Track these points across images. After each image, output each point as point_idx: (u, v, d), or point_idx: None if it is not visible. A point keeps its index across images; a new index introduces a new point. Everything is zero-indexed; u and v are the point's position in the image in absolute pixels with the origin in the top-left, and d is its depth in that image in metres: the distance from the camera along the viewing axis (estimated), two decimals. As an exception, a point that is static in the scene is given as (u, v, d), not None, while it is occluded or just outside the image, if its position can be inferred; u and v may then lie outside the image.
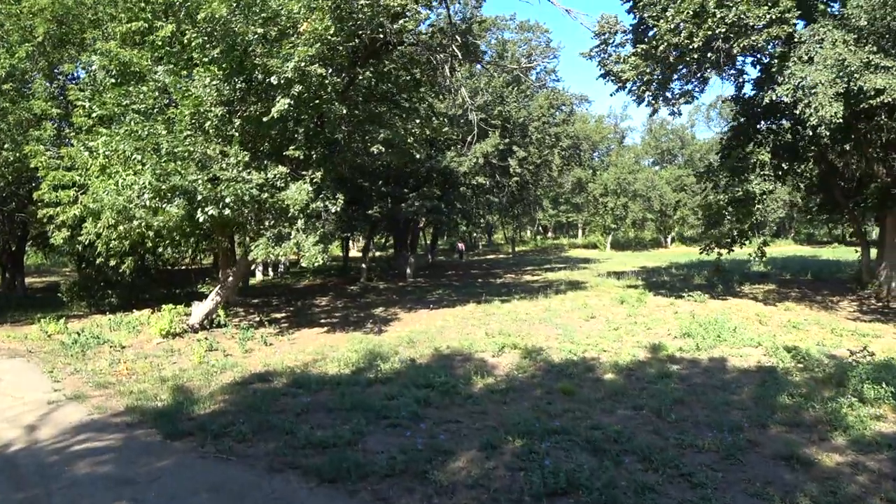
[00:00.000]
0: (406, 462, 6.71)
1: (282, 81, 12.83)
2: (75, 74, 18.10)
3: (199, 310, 15.50)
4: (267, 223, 13.87)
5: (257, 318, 17.74)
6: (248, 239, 15.06)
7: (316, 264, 13.17)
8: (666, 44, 14.93)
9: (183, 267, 27.26)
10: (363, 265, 27.83)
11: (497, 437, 7.47)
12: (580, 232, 76.74)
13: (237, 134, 13.76)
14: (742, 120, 21.92)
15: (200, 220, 12.59)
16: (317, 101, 13.90)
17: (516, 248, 59.87)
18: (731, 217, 21.01)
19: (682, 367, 11.74)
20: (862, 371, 10.13)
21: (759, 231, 23.59)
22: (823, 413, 8.70)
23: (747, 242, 22.45)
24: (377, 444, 7.34)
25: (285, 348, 13.70)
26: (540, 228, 79.91)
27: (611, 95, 24.01)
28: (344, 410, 8.65)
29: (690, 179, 61.42)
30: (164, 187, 12.35)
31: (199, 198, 12.43)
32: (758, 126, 21.54)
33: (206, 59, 13.55)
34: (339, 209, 14.63)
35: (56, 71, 17.29)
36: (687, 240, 65.87)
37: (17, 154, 16.36)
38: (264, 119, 13.42)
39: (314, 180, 14.23)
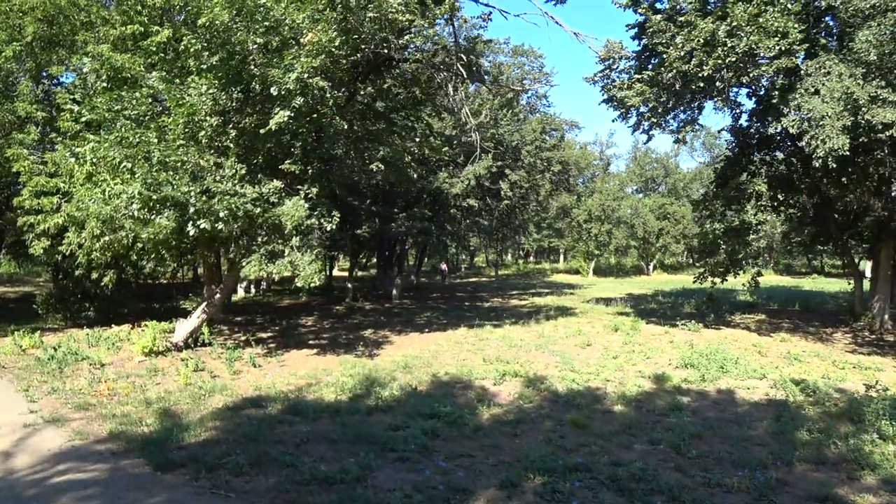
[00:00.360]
0: (422, 502, 6.17)
1: (282, 92, 12.39)
2: (63, 78, 17.46)
3: (183, 327, 14.80)
4: (259, 239, 13.29)
5: (243, 338, 17.02)
6: (238, 255, 14.46)
7: (312, 285, 12.61)
8: (675, 71, 14.84)
9: (163, 281, 26.37)
10: (349, 285, 27.23)
11: (516, 475, 6.99)
12: (562, 257, 76.89)
13: (232, 146, 13.24)
14: (736, 150, 22.02)
15: (191, 233, 11.99)
16: (316, 115, 13.47)
17: (499, 272, 59.60)
18: (727, 246, 20.93)
19: (692, 399, 11.40)
20: (879, 407, 9.87)
21: (754, 261, 23.52)
22: (846, 450, 8.41)
23: (740, 272, 22.38)
24: (387, 481, 6.80)
25: (275, 371, 13.07)
26: (521, 253, 79.87)
27: (612, 121, 23.97)
28: (347, 442, 8.09)
29: (674, 208, 62.07)
30: (154, 197, 11.75)
31: (192, 210, 11.85)
32: (752, 157, 21.63)
33: (203, 67, 13.08)
34: (334, 227, 14.13)
35: (43, 73, 16.60)
36: (668, 267, 66.30)
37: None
38: (261, 131, 12.94)
39: (309, 196, 13.72)
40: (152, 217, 12.24)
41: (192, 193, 11.92)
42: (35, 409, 9.36)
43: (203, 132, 12.91)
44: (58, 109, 16.50)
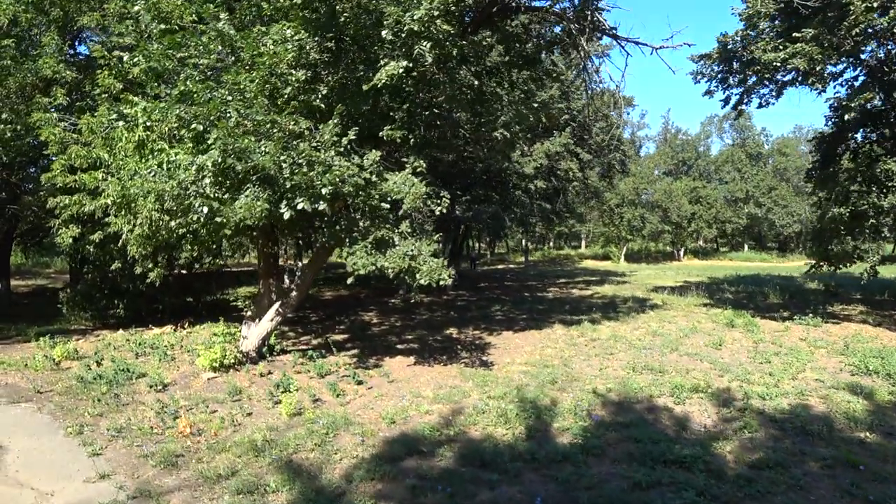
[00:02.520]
0: None
1: (401, 36, 9.54)
2: (95, 28, 14.44)
3: (254, 333, 12.04)
4: (362, 224, 10.49)
5: (314, 341, 14.32)
6: (322, 243, 11.70)
7: (444, 284, 9.86)
8: (858, 25, 11.99)
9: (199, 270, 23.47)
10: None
11: None
12: (583, 243, 74.26)
13: (323, 106, 10.41)
14: (835, 129, 19.21)
15: (286, 216, 9.16)
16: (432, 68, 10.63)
17: (528, 259, 56.88)
18: (849, 232, 18.19)
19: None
20: None
21: (875, 247, 20.74)
22: None
23: (861, 260, 19.69)
24: None
25: (388, 389, 10.35)
26: (539, 238, 77.16)
27: (704, 95, 20.78)
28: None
29: (706, 191, 59.43)
30: (239, 168, 8.93)
31: (288, 185, 9.02)
32: (852, 135, 18.92)
33: (284, 4, 10.22)
34: (444, 209, 11.34)
35: (72, 25, 13.63)
36: (699, 253, 63.74)
37: (18, 127, 12.72)
38: (364, 87, 10.12)
39: (418, 170, 10.93)
40: (225, 195, 9.42)
41: (288, 164, 9.10)
42: (106, 471, 6.57)
43: (290, 89, 10.07)
44: (89, 69, 13.61)
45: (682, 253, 60.15)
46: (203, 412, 8.74)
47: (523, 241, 55.61)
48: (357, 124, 11.05)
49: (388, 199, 10.46)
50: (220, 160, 9.00)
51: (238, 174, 9.28)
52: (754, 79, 15.25)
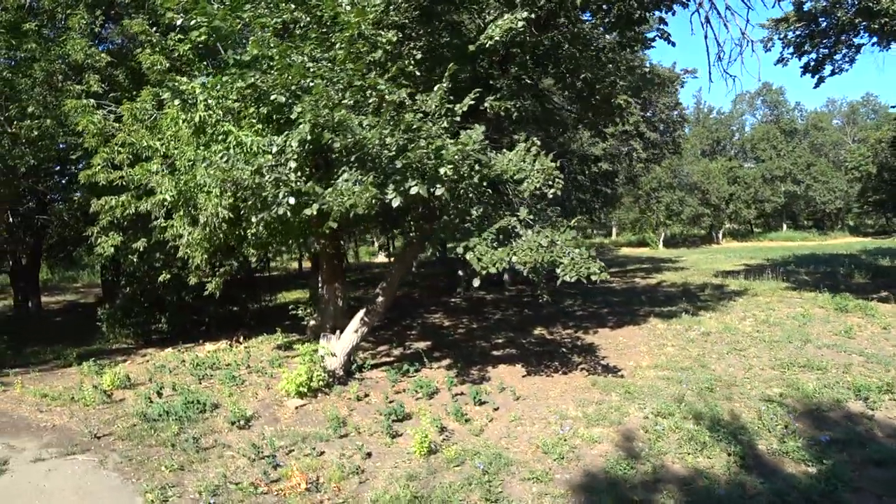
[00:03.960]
0: None
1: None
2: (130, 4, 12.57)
3: (339, 348, 10.19)
4: (475, 211, 8.59)
5: (396, 351, 12.49)
6: (416, 239, 9.85)
7: (597, 279, 7.92)
8: None
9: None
10: (460, 272, 22.55)
11: None
12: (614, 230, 71.94)
13: (418, 73, 8.51)
14: None
15: (395, 203, 7.26)
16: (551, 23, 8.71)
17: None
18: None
19: None
20: None
21: None
22: None
23: None
24: None
25: (520, 409, 8.50)
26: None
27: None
28: None
29: (743, 171, 57.07)
30: (338, 144, 7.05)
31: (399, 165, 7.15)
32: None
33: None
34: (558, 193, 9.41)
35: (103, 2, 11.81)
36: (738, 235, 61.32)
37: (47, 122, 10.96)
38: (471, 47, 8.22)
39: (530, 147, 9.02)
40: (307, 183, 7.55)
41: (395, 139, 7.23)
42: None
43: (379, 52, 8.19)
44: (123, 55, 11.84)
45: (720, 236, 57.83)
46: (308, 455, 6.89)
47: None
48: (453, 94, 9.14)
49: (505, 180, 8.57)
50: (308, 137, 7.12)
51: (332, 154, 7.41)
52: (831, 41, 13.20)
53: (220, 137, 8.15)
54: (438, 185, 7.44)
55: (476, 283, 8.16)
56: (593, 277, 7.83)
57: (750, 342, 12.36)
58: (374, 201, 7.06)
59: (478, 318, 17.13)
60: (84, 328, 17.40)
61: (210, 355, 12.74)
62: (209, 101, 8.09)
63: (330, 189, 6.99)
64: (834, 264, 28.73)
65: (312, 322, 14.10)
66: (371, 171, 7.33)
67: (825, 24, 16.95)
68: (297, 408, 8.62)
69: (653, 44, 13.18)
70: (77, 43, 10.78)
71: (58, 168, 16.74)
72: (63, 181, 16.50)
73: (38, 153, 12.00)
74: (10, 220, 14.31)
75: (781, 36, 19.10)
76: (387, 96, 7.84)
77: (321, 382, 9.14)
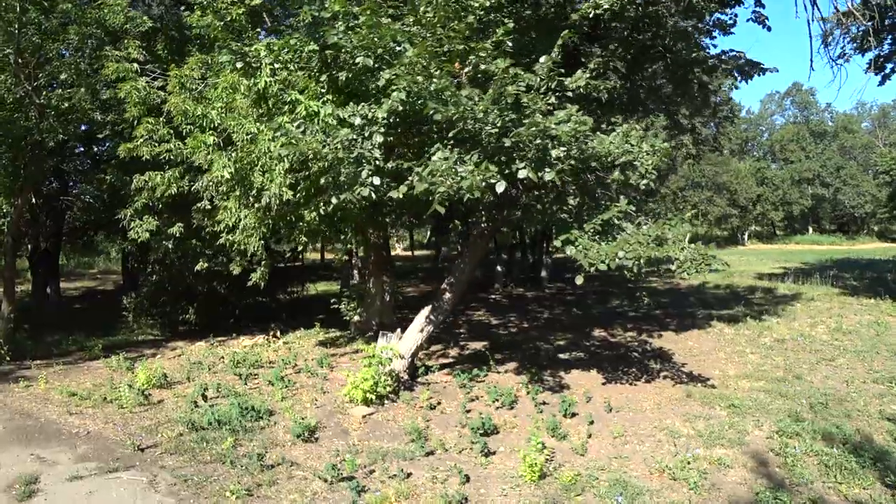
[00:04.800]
0: None
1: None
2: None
3: (404, 346, 9.11)
4: (572, 200, 7.53)
5: (451, 351, 11.45)
6: (488, 230, 8.77)
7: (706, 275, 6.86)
8: None
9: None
10: (498, 268, 21.50)
11: None
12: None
13: (510, 44, 7.43)
14: None
15: (499, 188, 6.17)
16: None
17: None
18: None
19: None
20: None
21: None
22: None
23: None
24: None
25: (618, 424, 7.45)
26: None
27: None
28: None
29: (771, 172, 55.70)
30: (440, 116, 5.97)
31: (507, 144, 6.09)
32: None
33: None
34: (652, 182, 8.32)
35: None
36: (763, 237, 59.92)
37: (81, 90, 9.94)
38: (573, 15, 7.15)
39: (630, 131, 7.93)
40: (401, 161, 6.49)
41: (498, 114, 6.15)
42: None
43: (471, 18, 7.10)
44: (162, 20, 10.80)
45: (745, 237, 56.50)
46: (395, 477, 5.84)
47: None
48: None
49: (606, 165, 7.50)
50: (400, 108, 6.04)
51: (423, 129, 6.34)
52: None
53: (285, 108, 7.09)
54: (548, 169, 6.38)
55: (579, 280, 7.07)
56: (704, 273, 6.81)
57: (834, 351, 11.45)
58: (489, 184, 5.96)
59: (525, 316, 16.07)
60: (105, 316, 16.47)
61: (248, 351, 11.75)
62: (275, 66, 7.00)
63: (429, 168, 5.90)
64: (877, 269, 27.59)
65: (357, 318, 13.08)
66: (473, 151, 6.26)
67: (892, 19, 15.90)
68: (364, 417, 7.58)
69: (731, 30, 12.09)
70: (117, 4, 9.71)
71: (82, 149, 15.79)
72: (88, 161, 15.51)
73: (68, 126, 10.98)
74: (34, 201, 13.32)
75: (844, 30, 18.11)
76: (482, 66, 6.75)
77: (388, 388, 8.08)
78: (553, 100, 6.86)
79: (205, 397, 8.34)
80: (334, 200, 6.26)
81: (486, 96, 6.13)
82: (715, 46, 10.79)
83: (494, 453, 6.56)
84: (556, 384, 9.23)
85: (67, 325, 15.48)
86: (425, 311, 9.30)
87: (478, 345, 12.03)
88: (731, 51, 10.53)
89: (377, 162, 6.30)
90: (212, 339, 12.99)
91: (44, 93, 10.72)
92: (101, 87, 10.03)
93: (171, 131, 8.88)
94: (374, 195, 6.24)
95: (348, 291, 13.44)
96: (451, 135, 6.31)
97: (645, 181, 7.68)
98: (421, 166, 6.12)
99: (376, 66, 6.36)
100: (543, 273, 22.46)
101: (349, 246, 10.75)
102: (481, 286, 21.01)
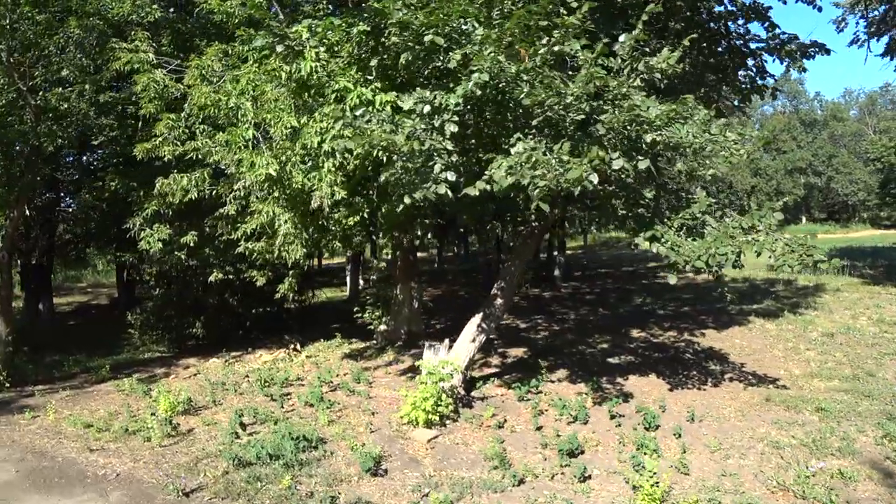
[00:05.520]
0: None
1: None
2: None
3: (460, 356, 8.27)
4: (648, 194, 6.81)
5: (493, 360, 10.68)
6: (540, 228, 8.04)
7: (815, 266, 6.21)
8: None
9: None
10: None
11: None
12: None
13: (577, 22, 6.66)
14: None
15: (592, 181, 5.41)
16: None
17: (576, 244, 53.02)
18: None
19: None
20: None
21: None
22: None
23: None
24: None
25: (711, 436, 6.73)
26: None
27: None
28: None
29: (764, 162, 55.74)
30: (528, 100, 5.21)
31: (601, 131, 5.38)
32: None
33: None
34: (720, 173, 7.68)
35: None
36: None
37: (85, 89, 9.02)
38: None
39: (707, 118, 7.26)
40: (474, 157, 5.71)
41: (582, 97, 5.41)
42: None
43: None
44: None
45: (739, 228, 56.38)
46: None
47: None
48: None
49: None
50: (478, 93, 5.26)
51: (501, 116, 5.57)
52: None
53: (332, 96, 6.26)
54: (640, 157, 5.65)
55: (672, 280, 6.42)
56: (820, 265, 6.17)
57: (891, 344, 10.97)
58: (570, 182, 5.19)
59: (552, 318, 15.34)
60: (102, 333, 15.51)
61: (271, 367, 10.86)
62: (319, 50, 6.17)
63: (521, 158, 5.12)
64: (886, 257, 27.35)
65: (383, 326, 12.27)
66: (559, 140, 5.50)
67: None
68: (429, 441, 6.78)
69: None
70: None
71: (71, 158, 14.79)
72: (81, 169, 14.52)
73: (67, 129, 10.03)
74: (28, 213, 12.29)
75: (859, 15, 17.83)
76: (556, 48, 5.97)
77: (450, 407, 7.28)
78: (638, 82, 6.12)
79: (243, 425, 7.47)
80: (407, 200, 5.44)
81: (577, 79, 5.38)
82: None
83: (590, 477, 5.84)
84: (619, 392, 8.51)
85: (63, 343, 14.44)
86: (476, 318, 8.52)
87: (517, 351, 11.28)
88: (784, 33, 9.91)
89: (451, 156, 5.51)
90: (225, 355, 12.10)
91: (40, 93, 9.77)
92: (105, 83, 9.07)
93: (200, 128, 7.95)
94: (449, 192, 5.44)
95: (371, 299, 12.65)
96: (534, 123, 5.54)
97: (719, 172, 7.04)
98: (502, 158, 5.34)
99: (445, 45, 5.56)
100: (556, 272, 21.72)
101: (388, 251, 9.90)
102: (486, 286, 20.21)
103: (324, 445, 6.78)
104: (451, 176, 5.45)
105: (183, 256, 10.58)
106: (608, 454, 6.36)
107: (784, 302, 15.70)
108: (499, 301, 8.57)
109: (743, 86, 10.28)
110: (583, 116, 5.68)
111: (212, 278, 10.68)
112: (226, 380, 10.10)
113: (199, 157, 7.27)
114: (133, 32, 8.90)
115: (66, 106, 9.77)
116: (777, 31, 9.50)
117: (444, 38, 5.54)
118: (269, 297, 15.15)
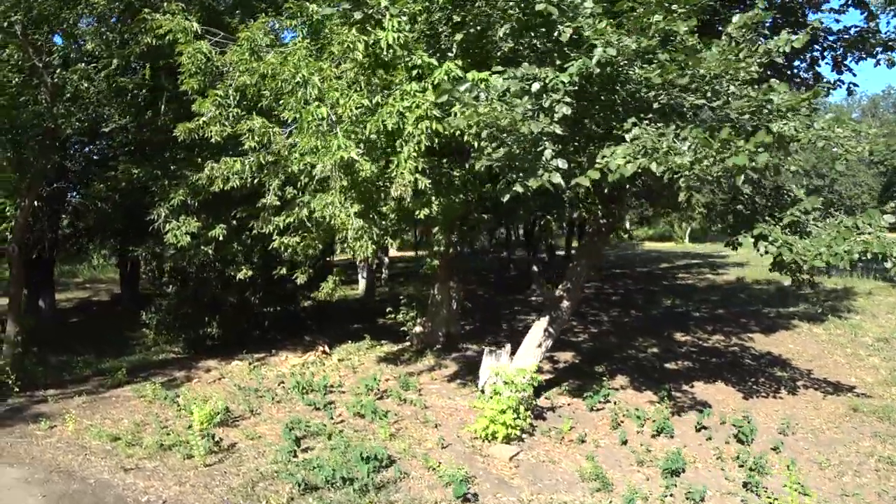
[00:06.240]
0: None
1: None
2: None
3: (527, 363, 7.59)
4: (739, 195, 6.25)
5: (545, 365, 10.01)
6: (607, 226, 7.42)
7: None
8: None
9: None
10: (534, 268, 20.08)
11: None
12: (627, 223, 70.15)
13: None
14: None
15: (716, 170, 4.76)
16: None
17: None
18: None
19: None
20: None
21: None
22: None
23: None
24: None
25: (810, 451, 6.21)
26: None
27: None
28: None
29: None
30: (658, 80, 4.56)
31: (731, 115, 4.76)
32: None
33: None
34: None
35: None
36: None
37: (113, 64, 8.23)
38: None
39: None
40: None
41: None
42: None
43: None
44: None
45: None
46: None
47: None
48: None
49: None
50: (597, 71, 4.60)
51: (615, 98, 4.91)
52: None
53: (410, 73, 5.54)
54: (762, 149, 5.04)
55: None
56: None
57: None
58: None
59: (584, 320, 14.74)
60: (106, 330, 14.61)
61: (304, 371, 10.13)
62: (402, 21, 5.46)
63: (677, 145, 4.48)
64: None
65: (418, 328, 11.59)
66: (686, 125, 4.86)
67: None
68: (511, 458, 6.11)
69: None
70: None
71: (78, 146, 13.92)
72: (93, 156, 13.69)
73: (86, 110, 9.24)
74: (36, 203, 11.45)
75: (891, 14, 17.36)
76: (665, 27, 5.31)
77: (528, 420, 6.60)
78: (756, 67, 5.49)
79: (298, 442, 6.74)
80: (519, 188, 4.74)
81: (710, 56, 4.74)
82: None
83: (704, 500, 5.19)
84: (692, 401, 7.93)
85: (69, 342, 13.54)
86: (542, 322, 7.86)
87: (565, 355, 10.65)
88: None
89: (557, 142, 4.84)
90: (248, 357, 11.33)
91: (58, 70, 8.96)
92: (134, 59, 8.27)
93: (247, 105, 7.15)
94: (561, 182, 4.77)
95: (405, 298, 11.96)
96: (655, 107, 4.89)
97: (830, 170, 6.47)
98: (627, 142, 4.70)
99: (557, 18, 4.87)
100: (535, 268, 21.04)
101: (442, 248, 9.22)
102: (516, 288, 19.62)
103: (392, 465, 6.08)
104: (562, 163, 4.77)
105: (210, 252, 9.76)
106: (711, 472, 5.76)
107: (819, 305, 15.24)
108: (565, 304, 7.92)
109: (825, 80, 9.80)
110: (704, 101, 5.05)
111: (240, 275, 9.89)
112: (258, 385, 9.34)
113: (255, 139, 6.48)
114: (166, 4, 8.08)
115: (86, 86, 8.98)
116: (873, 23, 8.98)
117: (556, 7, 4.86)
118: (290, 296, 14.45)
